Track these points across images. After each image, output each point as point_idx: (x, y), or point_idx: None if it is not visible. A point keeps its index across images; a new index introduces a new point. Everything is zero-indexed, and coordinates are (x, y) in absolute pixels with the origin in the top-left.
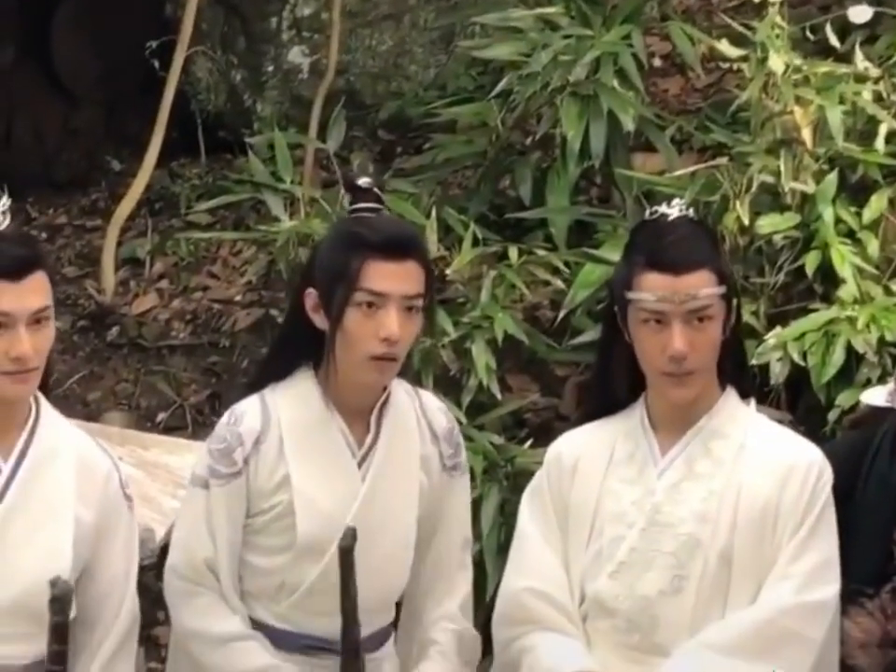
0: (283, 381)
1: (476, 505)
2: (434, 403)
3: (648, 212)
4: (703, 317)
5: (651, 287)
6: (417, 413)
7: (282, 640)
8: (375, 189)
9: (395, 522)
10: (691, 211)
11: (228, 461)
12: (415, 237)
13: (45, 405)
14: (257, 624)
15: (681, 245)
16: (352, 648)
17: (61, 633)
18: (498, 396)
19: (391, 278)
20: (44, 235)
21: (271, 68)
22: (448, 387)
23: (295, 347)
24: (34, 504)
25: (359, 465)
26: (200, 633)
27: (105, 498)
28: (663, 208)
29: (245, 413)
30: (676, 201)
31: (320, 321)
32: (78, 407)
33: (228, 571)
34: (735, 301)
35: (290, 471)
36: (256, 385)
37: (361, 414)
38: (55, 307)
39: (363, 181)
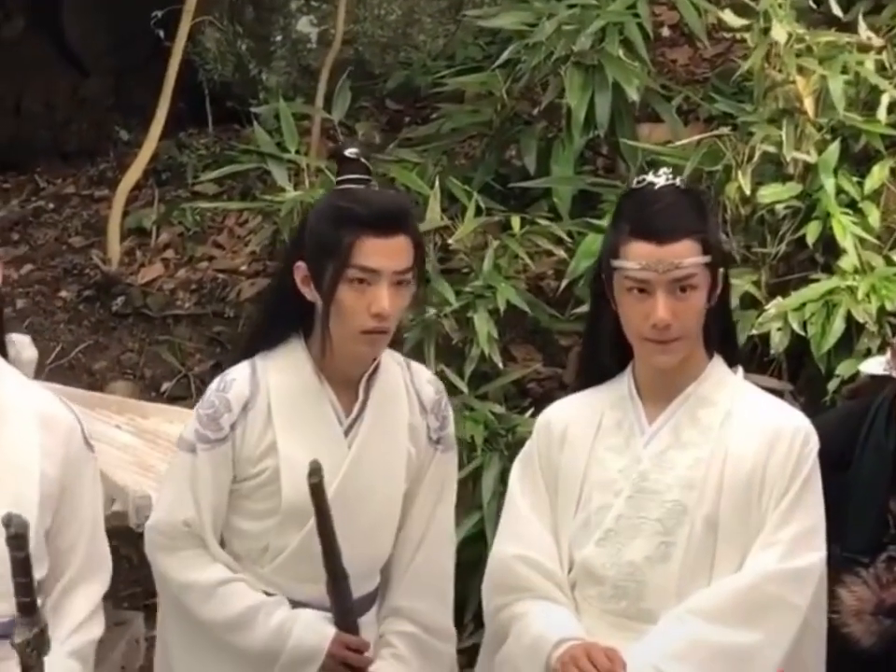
0: (273, 350)
1: (477, 474)
2: (424, 375)
3: (635, 180)
4: (686, 286)
5: (635, 256)
6: (407, 384)
7: None
8: (363, 160)
9: (381, 489)
10: (678, 180)
11: (215, 426)
12: (406, 210)
13: (1, 363)
14: None
15: (666, 214)
16: (337, 575)
17: (24, 566)
18: (500, 365)
19: (382, 254)
20: (51, 205)
21: (279, 38)
22: (450, 357)
23: (284, 318)
24: None
25: (346, 433)
26: (190, 584)
27: (69, 452)
28: (650, 177)
29: (235, 379)
30: (663, 169)
31: (310, 294)
32: (84, 376)
33: (211, 534)
34: (721, 270)
35: (277, 438)
36: (245, 354)
37: (350, 384)
38: (61, 277)
39: (350, 151)
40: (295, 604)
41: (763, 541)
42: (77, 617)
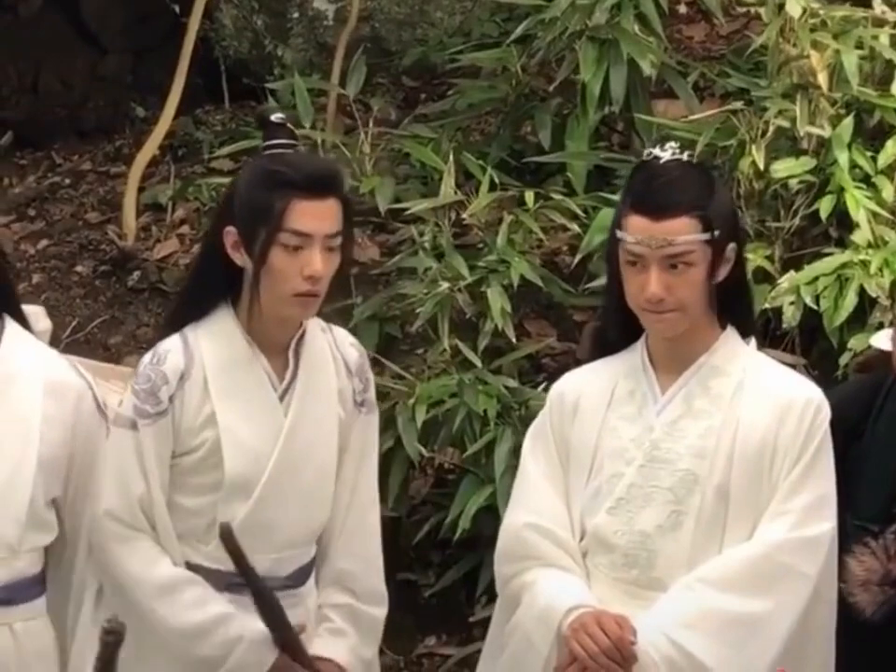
0: (202, 319)
1: (490, 448)
2: (346, 338)
3: (644, 153)
4: (681, 263)
5: (632, 230)
6: (332, 348)
7: (211, 580)
8: (289, 125)
9: (317, 454)
10: (685, 154)
11: (154, 400)
12: (336, 173)
13: (10, 327)
14: (186, 565)
15: (665, 189)
16: (262, 591)
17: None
18: (514, 340)
19: (314, 218)
20: (67, 181)
21: (296, 15)
22: (464, 331)
23: (213, 285)
24: None
25: (280, 399)
26: (141, 579)
27: (79, 419)
28: (656, 150)
29: (169, 351)
30: (669, 143)
31: (240, 259)
32: (99, 351)
33: (163, 510)
34: (731, 245)
35: (215, 409)
36: (174, 324)
37: (279, 350)
38: (77, 252)
39: (276, 116)
40: (238, 577)
41: (774, 511)
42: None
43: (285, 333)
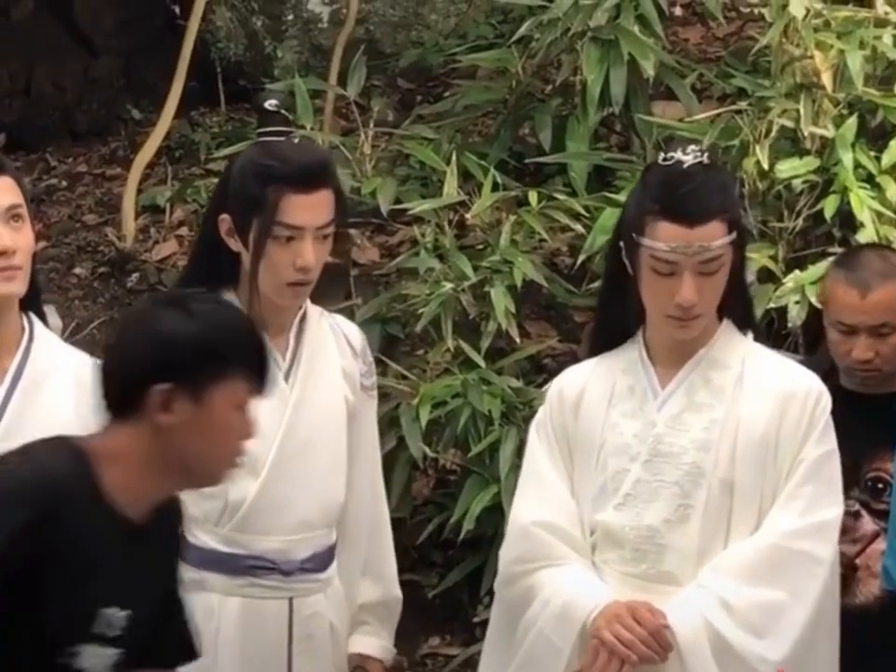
0: None
1: (494, 448)
2: (346, 322)
3: (662, 156)
4: (714, 267)
5: (665, 238)
6: (333, 328)
7: (228, 564)
8: (283, 112)
9: (325, 433)
10: (705, 157)
11: None
12: (327, 164)
13: (38, 326)
14: (202, 551)
15: (695, 195)
16: None
17: None
18: (518, 340)
19: (306, 211)
20: (64, 183)
21: (290, 17)
22: (467, 332)
23: (211, 270)
24: (32, 425)
25: (285, 379)
26: None
27: None
28: (678, 154)
29: None
30: (691, 147)
31: (235, 245)
32: (99, 352)
33: None
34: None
35: None
36: None
37: (280, 331)
38: (75, 254)
39: (269, 103)
40: (254, 559)
41: (783, 500)
42: None
43: (284, 317)
